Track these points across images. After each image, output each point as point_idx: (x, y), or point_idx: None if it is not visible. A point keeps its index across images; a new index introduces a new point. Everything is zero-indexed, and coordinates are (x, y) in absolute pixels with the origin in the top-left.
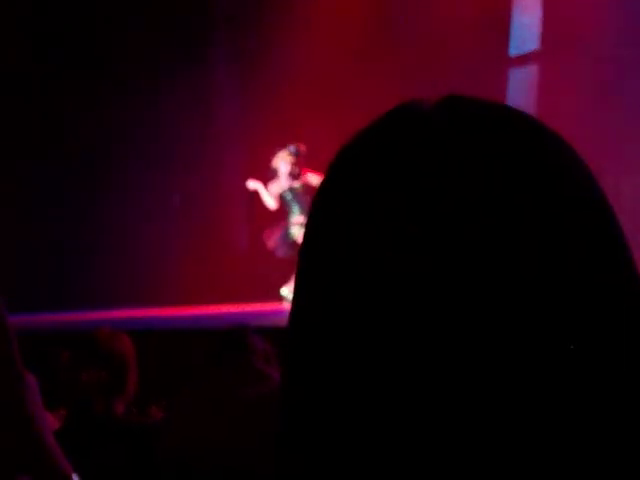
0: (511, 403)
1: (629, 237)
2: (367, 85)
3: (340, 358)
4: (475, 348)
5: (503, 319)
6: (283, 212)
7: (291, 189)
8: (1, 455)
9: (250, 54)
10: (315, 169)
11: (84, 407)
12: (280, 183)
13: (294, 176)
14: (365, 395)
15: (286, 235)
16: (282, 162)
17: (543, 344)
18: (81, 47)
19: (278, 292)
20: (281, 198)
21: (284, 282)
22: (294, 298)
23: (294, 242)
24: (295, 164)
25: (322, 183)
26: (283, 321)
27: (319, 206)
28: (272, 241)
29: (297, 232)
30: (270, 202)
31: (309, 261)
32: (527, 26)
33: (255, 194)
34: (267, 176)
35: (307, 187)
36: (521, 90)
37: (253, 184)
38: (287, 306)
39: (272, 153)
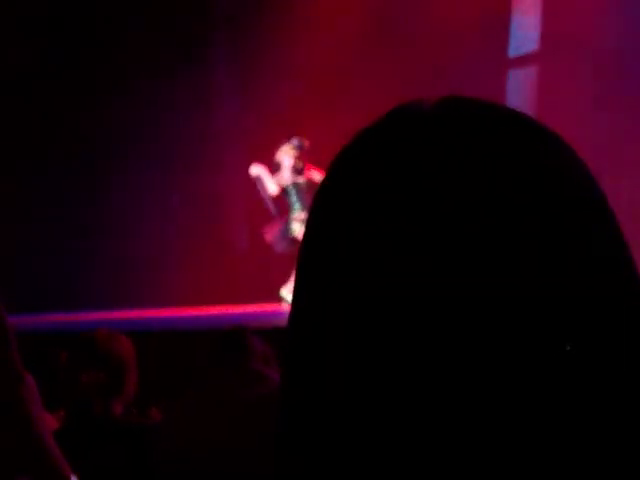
0: (511, 403)
1: (628, 237)
2: (367, 85)
3: (339, 359)
4: (476, 349)
5: (503, 319)
6: (284, 207)
7: (294, 184)
8: (1, 456)
9: (250, 54)
10: (318, 167)
11: (83, 408)
12: (283, 177)
13: (297, 170)
14: (364, 395)
15: (285, 230)
16: (285, 156)
17: (543, 344)
18: (81, 47)
19: (277, 293)
20: (283, 193)
21: (283, 283)
22: (294, 299)
23: (293, 238)
24: (298, 158)
25: (322, 183)
26: (282, 322)
27: (319, 206)
28: (271, 235)
29: (297, 228)
30: (272, 188)
31: (309, 261)
32: (527, 27)
33: (258, 180)
34: (270, 170)
35: (310, 184)
36: (520, 91)
37: (256, 169)
38: (286, 307)
39: (274, 150)
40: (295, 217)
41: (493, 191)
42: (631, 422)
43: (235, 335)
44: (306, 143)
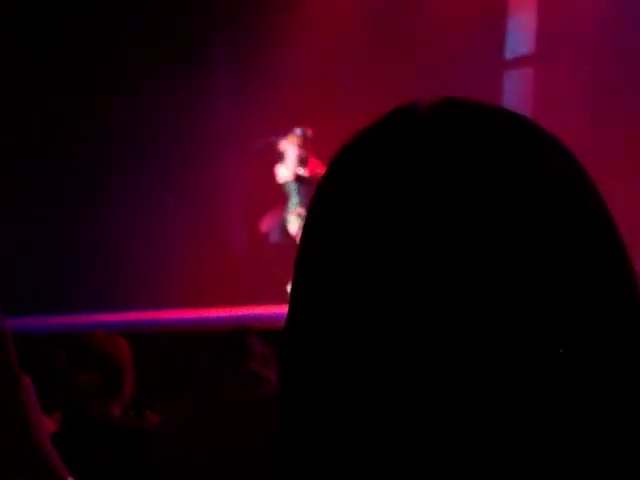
0: (511, 403)
1: (626, 239)
2: (365, 86)
3: (339, 359)
4: (475, 349)
5: (503, 320)
6: (282, 199)
7: (297, 179)
8: None
9: (250, 54)
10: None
11: (80, 410)
12: (287, 167)
13: (301, 160)
14: (364, 395)
15: (282, 222)
16: (289, 145)
17: (543, 344)
18: (81, 47)
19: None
20: (285, 186)
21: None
22: (292, 298)
23: (288, 231)
24: (303, 147)
25: (321, 182)
26: (282, 323)
27: (318, 206)
28: (267, 225)
29: (293, 221)
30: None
31: (307, 261)
32: (523, 29)
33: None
34: (274, 160)
35: (313, 178)
36: (517, 92)
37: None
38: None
39: (280, 136)
40: (293, 211)
41: (491, 191)
42: (630, 422)
43: (235, 336)
44: (309, 132)
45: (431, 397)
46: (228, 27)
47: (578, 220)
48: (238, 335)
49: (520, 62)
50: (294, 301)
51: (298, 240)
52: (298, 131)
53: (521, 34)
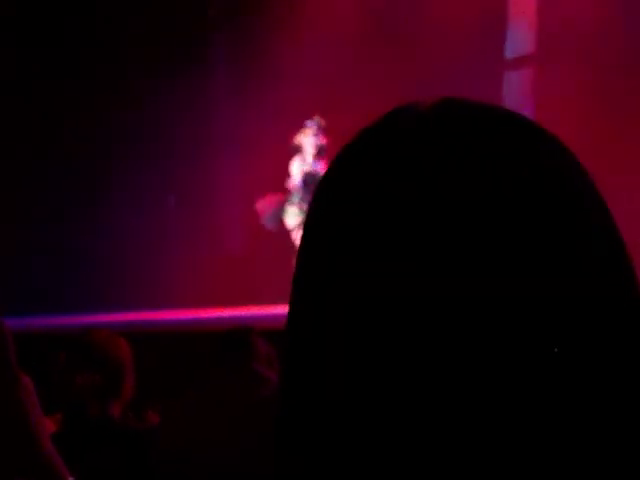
0: (510, 404)
1: (626, 238)
2: (365, 86)
3: (339, 359)
4: (475, 349)
5: (503, 320)
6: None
7: (311, 174)
8: None
9: (250, 54)
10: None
11: (79, 410)
12: (304, 160)
13: (320, 150)
14: (364, 395)
15: (280, 211)
16: (306, 138)
17: (543, 344)
18: (81, 47)
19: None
20: (294, 178)
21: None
22: (292, 298)
23: (283, 220)
24: (319, 136)
25: (321, 182)
26: (282, 323)
27: (318, 205)
28: (264, 206)
29: (292, 214)
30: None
31: (308, 260)
32: (523, 29)
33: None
34: (289, 154)
35: None
36: (517, 92)
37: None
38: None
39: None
40: (294, 203)
41: (491, 191)
42: (628, 422)
43: (238, 334)
44: (323, 122)
45: (430, 397)
46: (228, 27)
47: (578, 219)
48: (240, 334)
49: (520, 62)
50: (295, 300)
51: (292, 234)
52: (311, 122)
53: (521, 34)
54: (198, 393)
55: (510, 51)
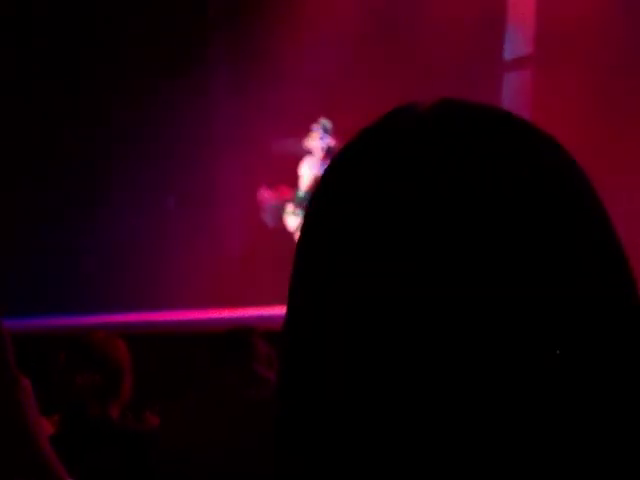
0: (509, 404)
1: (625, 241)
2: (365, 86)
3: (338, 358)
4: (475, 349)
5: (502, 320)
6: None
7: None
8: None
9: (250, 54)
10: None
11: (78, 410)
12: (316, 162)
13: (329, 152)
14: (364, 395)
15: (281, 207)
16: (313, 141)
17: (542, 345)
18: (81, 47)
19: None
20: (301, 180)
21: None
22: (290, 297)
23: (282, 218)
24: (326, 138)
25: (320, 182)
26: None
27: (317, 204)
28: (266, 199)
29: (290, 212)
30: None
31: (306, 259)
32: (522, 30)
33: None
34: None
35: None
36: (516, 94)
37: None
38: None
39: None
40: (297, 204)
41: (489, 191)
42: (627, 422)
43: (238, 334)
44: (329, 124)
45: (432, 398)
46: (228, 27)
47: (576, 220)
48: (241, 334)
49: (519, 63)
50: (293, 299)
51: (293, 235)
52: (318, 125)
53: (520, 35)
54: (198, 394)
55: (509, 52)
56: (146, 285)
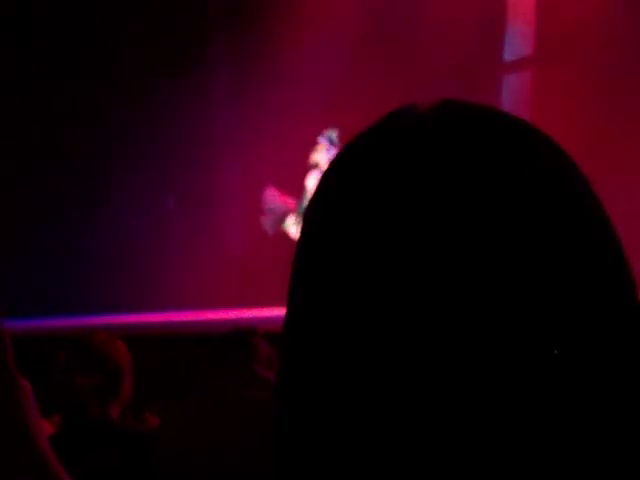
0: (509, 404)
1: (625, 241)
2: (365, 87)
3: (338, 358)
4: (474, 349)
5: (502, 320)
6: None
7: None
8: None
9: (250, 54)
10: None
11: (79, 411)
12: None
13: None
14: (364, 395)
15: (284, 215)
16: (319, 154)
17: (541, 345)
18: (81, 47)
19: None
20: (306, 191)
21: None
22: (290, 298)
23: (281, 226)
24: (332, 150)
25: (320, 182)
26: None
27: (317, 205)
28: (271, 201)
29: (290, 223)
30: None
31: (306, 259)
32: (522, 31)
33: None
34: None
35: None
36: (515, 95)
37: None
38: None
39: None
40: (298, 213)
41: (489, 191)
42: (626, 422)
43: (239, 335)
44: (335, 135)
45: (432, 398)
46: (228, 27)
47: (575, 220)
48: (242, 334)
49: (519, 65)
50: (293, 299)
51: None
52: (325, 137)
53: (520, 37)
54: (198, 394)
55: (509, 53)
56: (146, 285)
